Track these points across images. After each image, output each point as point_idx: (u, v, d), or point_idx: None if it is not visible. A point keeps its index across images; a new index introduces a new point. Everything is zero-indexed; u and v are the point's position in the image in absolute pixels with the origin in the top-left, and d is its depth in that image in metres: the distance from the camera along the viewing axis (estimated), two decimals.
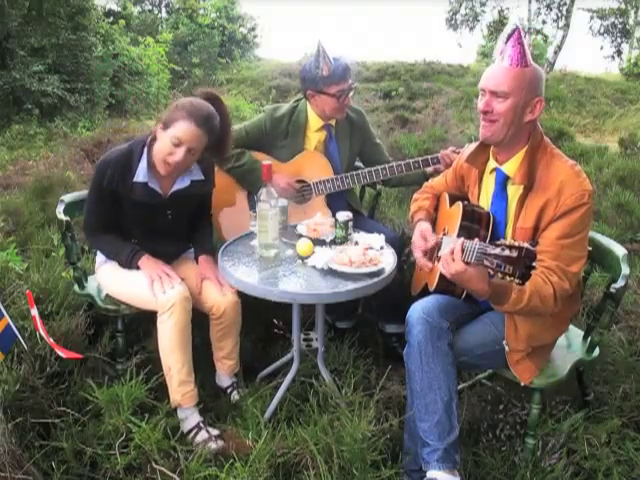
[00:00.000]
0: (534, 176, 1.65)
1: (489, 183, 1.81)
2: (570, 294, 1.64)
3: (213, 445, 1.82)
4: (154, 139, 1.98)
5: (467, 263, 1.49)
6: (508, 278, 1.39)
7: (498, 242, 1.42)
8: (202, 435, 1.86)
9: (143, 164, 1.97)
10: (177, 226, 2.14)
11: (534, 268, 1.38)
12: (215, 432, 1.88)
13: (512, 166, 1.71)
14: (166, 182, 2.04)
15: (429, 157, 2.44)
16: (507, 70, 1.61)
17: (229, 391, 2.15)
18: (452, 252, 1.51)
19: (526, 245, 1.37)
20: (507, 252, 1.38)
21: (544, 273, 1.57)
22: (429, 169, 2.47)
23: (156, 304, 1.93)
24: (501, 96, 1.61)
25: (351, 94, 2.46)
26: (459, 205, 1.83)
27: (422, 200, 2.09)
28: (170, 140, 1.89)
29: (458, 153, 2.31)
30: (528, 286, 1.52)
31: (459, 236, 1.72)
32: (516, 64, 1.60)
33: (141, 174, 1.97)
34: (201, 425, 1.90)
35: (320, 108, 2.46)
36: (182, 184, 2.05)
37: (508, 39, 1.62)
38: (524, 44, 1.61)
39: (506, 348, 1.72)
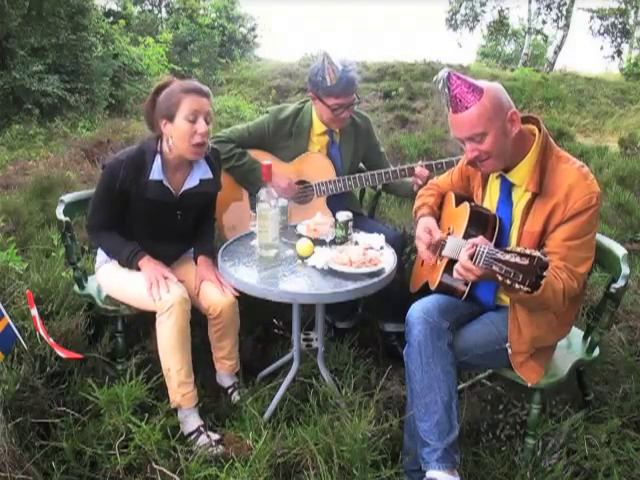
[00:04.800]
0: (543, 181, 1.64)
1: (494, 188, 1.81)
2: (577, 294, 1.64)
3: (214, 451, 1.81)
4: (160, 139, 2.00)
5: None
6: (517, 286, 1.35)
7: (509, 248, 1.40)
8: (202, 439, 1.86)
9: (158, 162, 1.98)
10: (184, 227, 2.15)
11: (544, 277, 1.34)
12: (215, 437, 1.88)
13: (518, 174, 1.69)
14: (177, 181, 2.05)
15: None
16: (468, 113, 1.56)
17: (230, 391, 2.15)
18: (469, 258, 1.49)
19: (538, 254, 1.33)
20: (517, 259, 1.34)
21: (554, 270, 1.56)
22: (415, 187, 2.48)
23: (155, 305, 1.93)
24: (478, 137, 1.59)
25: (355, 107, 2.46)
26: (466, 205, 1.82)
27: (427, 197, 2.08)
28: (186, 120, 1.90)
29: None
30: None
31: (465, 237, 1.71)
32: (473, 102, 1.55)
33: (156, 172, 1.97)
34: (201, 429, 1.89)
35: (319, 113, 2.47)
36: (192, 183, 2.06)
37: (447, 86, 1.58)
38: (464, 79, 1.58)
39: (509, 350, 1.72)
